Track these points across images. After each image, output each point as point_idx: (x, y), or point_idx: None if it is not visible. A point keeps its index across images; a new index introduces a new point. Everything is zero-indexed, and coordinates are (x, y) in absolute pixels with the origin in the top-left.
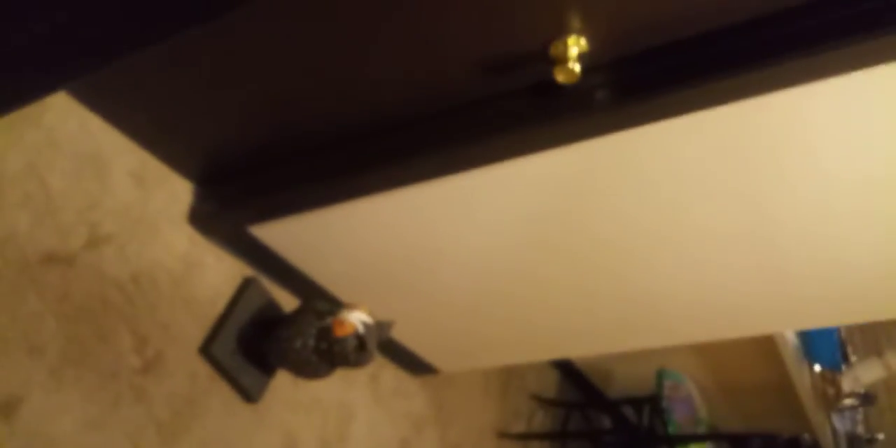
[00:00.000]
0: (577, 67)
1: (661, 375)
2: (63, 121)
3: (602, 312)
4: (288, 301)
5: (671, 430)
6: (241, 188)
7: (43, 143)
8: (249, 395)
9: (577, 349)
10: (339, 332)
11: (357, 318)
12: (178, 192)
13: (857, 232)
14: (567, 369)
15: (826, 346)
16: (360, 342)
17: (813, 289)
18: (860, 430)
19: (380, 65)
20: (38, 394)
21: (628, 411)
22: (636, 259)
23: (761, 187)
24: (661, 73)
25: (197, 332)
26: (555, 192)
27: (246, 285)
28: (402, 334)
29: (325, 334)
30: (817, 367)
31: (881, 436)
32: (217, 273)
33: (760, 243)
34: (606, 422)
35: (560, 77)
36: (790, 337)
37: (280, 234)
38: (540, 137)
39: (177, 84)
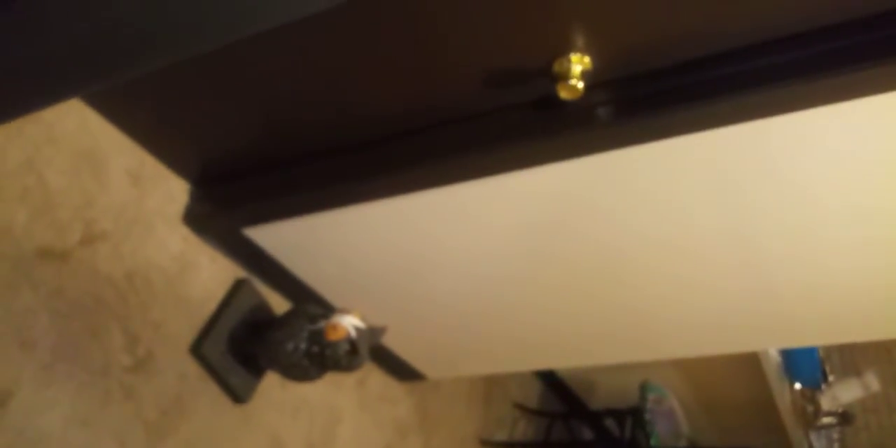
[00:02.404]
0: (580, 84)
1: (644, 388)
2: (63, 117)
3: (589, 325)
4: (279, 304)
5: (653, 443)
6: (237, 190)
7: (42, 139)
8: (238, 396)
9: (564, 360)
10: (332, 335)
11: (349, 323)
12: (174, 191)
13: (843, 256)
14: (550, 379)
15: (807, 364)
16: (353, 347)
17: (797, 309)
18: (836, 446)
19: (383, 75)
20: (29, 389)
21: (610, 423)
22: (625, 274)
23: (752, 209)
24: (663, 94)
25: (188, 331)
26: (549, 206)
27: (238, 286)
28: (391, 340)
29: (317, 338)
30: (797, 385)
31: None
32: (210, 274)
33: (748, 264)
34: (588, 433)
35: (563, 93)
36: (773, 354)
37: (274, 237)
38: (539, 151)
39: (178, 84)
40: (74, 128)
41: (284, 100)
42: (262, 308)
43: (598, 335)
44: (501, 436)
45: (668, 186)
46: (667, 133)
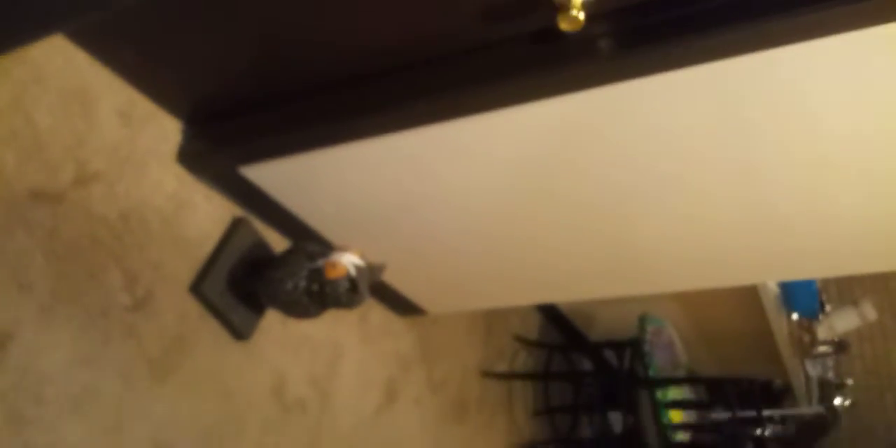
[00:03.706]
0: (581, 15)
1: (643, 320)
2: (49, 56)
3: (589, 260)
4: (278, 241)
5: (652, 373)
6: (231, 128)
7: (29, 79)
8: (240, 333)
9: (564, 294)
10: (332, 273)
11: (349, 261)
12: (166, 130)
13: (846, 187)
14: (550, 312)
15: (805, 295)
16: (352, 284)
17: (799, 242)
18: (831, 375)
19: (378, 7)
20: (28, 330)
21: (609, 355)
22: (626, 209)
23: (756, 141)
24: (666, 24)
25: (187, 271)
26: (549, 141)
27: (235, 225)
28: (391, 276)
29: (317, 276)
30: (795, 316)
31: (850, 381)
32: (206, 213)
33: (750, 197)
34: (588, 364)
35: (564, 24)
36: (771, 286)
37: (270, 176)
38: (538, 86)
39: (166, 19)
40: (61, 67)
41: (277, 32)
42: (261, 246)
43: (599, 270)
44: (502, 367)
45: (672, 120)
46: (671, 65)
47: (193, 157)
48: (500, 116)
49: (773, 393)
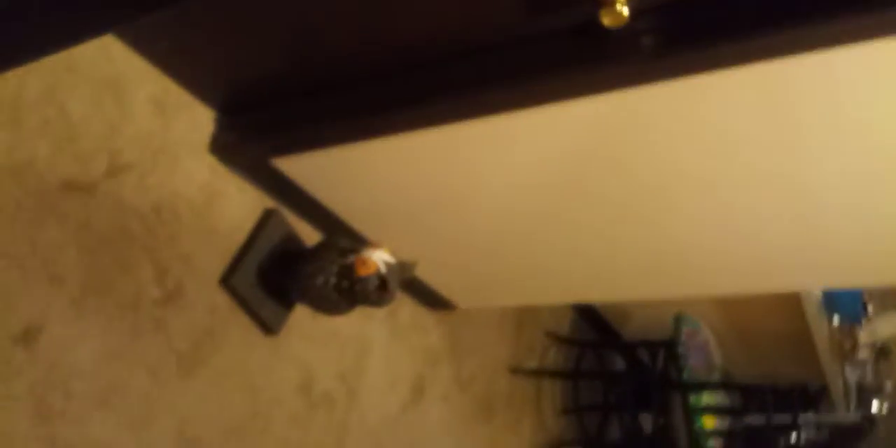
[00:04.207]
0: (625, 10)
1: (678, 321)
2: (83, 45)
3: (627, 259)
4: (309, 233)
5: (685, 376)
6: (265, 119)
7: (62, 68)
8: (269, 328)
9: (598, 294)
10: (362, 270)
11: (379, 258)
12: (199, 120)
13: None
14: (583, 309)
15: (848, 299)
16: (382, 282)
17: (848, 246)
18: (869, 379)
19: None
20: (58, 323)
21: (642, 354)
22: (668, 208)
23: (806, 147)
24: (713, 22)
25: (217, 263)
26: (590, 139)
27: (267, 217)
28: (422, 270)
29: (347, 272)
30: (836, 320)
31: (889, 384)
32: (238, 204)
33: (798, 199)
34: (619, 364)
35: (606, 20)
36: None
37: (303, 168)
38: (577, 84)
39: (202, 8)
40: (95, 55)
41: (314, 23)
42: (292, 239)
43: (635, 270)
44: (531, 364)
45: (718, 121)
46: (718, 64)
47: (226, 147)
48: (540, 114)
49: (808, 396)
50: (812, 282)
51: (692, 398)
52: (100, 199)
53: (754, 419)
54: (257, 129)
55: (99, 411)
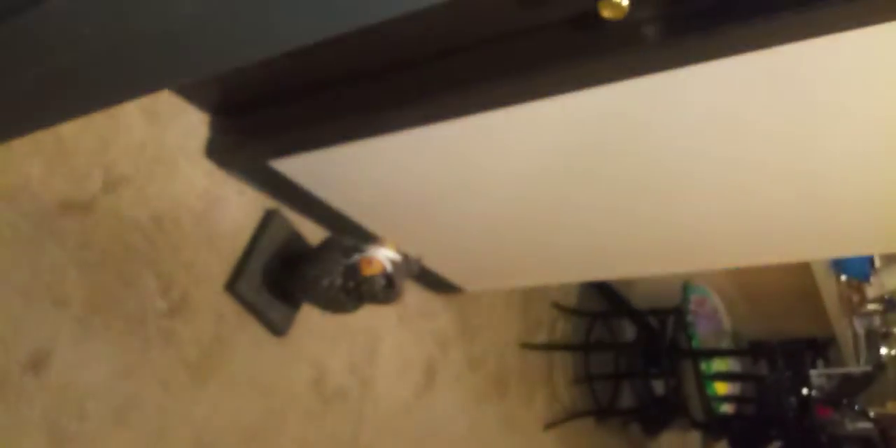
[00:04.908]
0: (624, 1)
1: (686, 289)
2: None
3: (632, 239)
4: (312, 231)
5: (695, 344)
6: (261, 121)
7: None
8: (277, 329)
9: (606, 272)
10: (367, 271)
11: (384, 256)
12: (193, 124)
13: None
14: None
15: (857, 259)
16: (389, 281)
17: (853, 216)
18: (878, 325)
19: None
20: (66, 345)
21: (652, 322)
22: (675, 189)
23: (809, 122)
24: (714, 11)
25: (221, 269)
26: (592, 129)
27: (268, 218)
28: (429, 257)
29: (353, 273)
30: (843, 277)
31: None
32: (238, 207)
33: (803, 177)
34: (629, 333)
35: (606, 12)
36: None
37: (302, 168)
38: (579, 75)
39: None
40: None
41: None
42: (295, 238)
43: (642, 248)
44: (541, 337)
45: (722, 104)
46: (719, 53)
47: (222, 150)
48: (539, 108)
49: (817, 348)
50: (820, 251)
51: (703, 365)
52: (98, 215)
53: (765, 376)
54: (254, 130)
55: (115, 429)
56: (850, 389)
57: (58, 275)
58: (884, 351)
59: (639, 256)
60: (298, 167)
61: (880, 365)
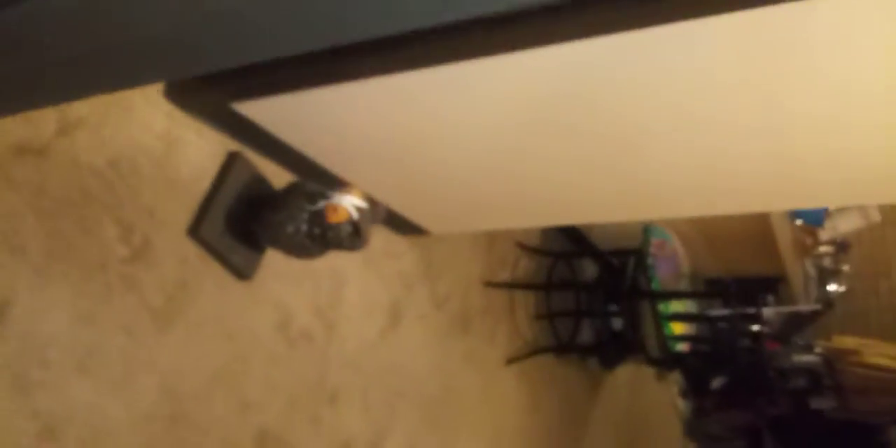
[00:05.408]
0: None
1: (647, 232)
2: None
3: (602, 185)
4: (276, 173)
5: (654, 286)
6: None
7: None
8: (242, 273)
9: (570, 218)
10: (333, 218)
11: (350, 203)
12: None
13: (863, 120)
14: None
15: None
16: (355, 228)
17: (815, 173)
18: (828, 263)
19: None
20: (26, 294)
21: (613, 262)
22: (643, 142)
23: (778, 83)
24: None
25: (183, 213)
26: (561, 83)
27: (231, 160)
28: (394, 200)
29: (318, 219)
30: (798, 221)
31: (846, 267)
32: (199, 149)
33: (769, 131)
34: (590, 272)
35: None
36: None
37: (266, 112)
38: (549, 31)
39: None
40: None
41: None
42: (259, 181)
43: (606, 197)
44: (504, 275)
45: (695, 65)
46: (700, 11)
47: (183, 92)
48: (509, 60)
49: (769, 286)
50: (781, 204)
51: (661, 306)
52: (53, 160)
53: (719, 312)
54: (216, 72)
55: (78, 377)
56: (798, 325)
57: (14, 222)
58: (833, 287)
59: (604, 205)
60: (263, 110)
61: (829, 302)
